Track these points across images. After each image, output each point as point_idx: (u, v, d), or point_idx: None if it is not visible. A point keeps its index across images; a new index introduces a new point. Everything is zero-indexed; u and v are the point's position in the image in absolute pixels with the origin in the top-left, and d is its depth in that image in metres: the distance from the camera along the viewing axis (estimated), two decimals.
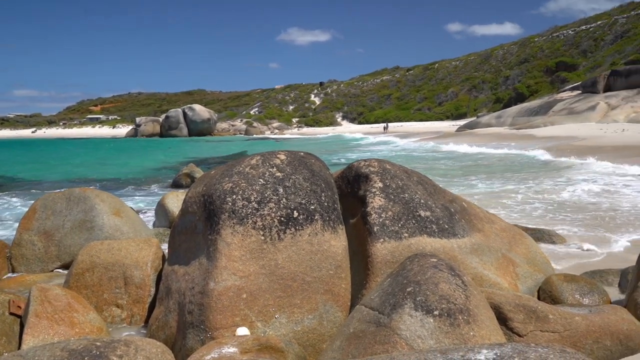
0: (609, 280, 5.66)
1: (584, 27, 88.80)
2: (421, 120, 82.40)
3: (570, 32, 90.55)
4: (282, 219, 4.03)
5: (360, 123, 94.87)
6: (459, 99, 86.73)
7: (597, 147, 24.25)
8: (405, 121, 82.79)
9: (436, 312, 2.94)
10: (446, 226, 4.62)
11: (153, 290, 5.07)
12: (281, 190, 4.16)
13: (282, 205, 4.07)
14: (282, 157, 4.46)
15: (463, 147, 33.11)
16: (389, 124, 77.19)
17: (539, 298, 4.86)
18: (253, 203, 4.05)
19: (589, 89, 50.20)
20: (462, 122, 63.92)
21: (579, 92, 51.75)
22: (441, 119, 79.79)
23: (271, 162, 4.38)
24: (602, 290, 4.95)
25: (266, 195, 4.11)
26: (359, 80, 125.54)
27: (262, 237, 3.95)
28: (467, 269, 4.43)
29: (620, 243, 7.50)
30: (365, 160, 4.91)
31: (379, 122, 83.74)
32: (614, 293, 5.29)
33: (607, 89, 48.37)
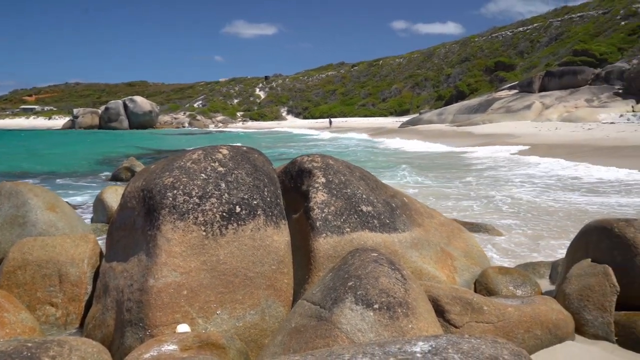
0: (541, 272, 5.92)
1: (521, 29, 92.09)
2: (365, 115, 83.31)
3: (508, 33, 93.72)
4: (224, 214, 3.99)
5: (305, 118, 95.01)
6: (402, 96, 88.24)
7: (532, 144, 25.24)
8: (350, 116, 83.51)
9: (376, 306, 2.99)
10: (387, 221, 4.70)
11: (90, 288, 4.91)
12: (223, 185, 4.12)
13: (224, 201, 4.03)
14: (225, 151, 4.41)
15: (405, 143, 33.74)
16: (334, 119, 77.70)
17: (475, 290, 5.02)
18: (194, 198, 3.99)
19: (525, 88, 52.20)
20: (405, 119, 65.05)
21: (516, 91, 53.70)
22: (385, 115, 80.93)
23: (213, 157, 4.32)
24: (534, 281, 5.17)
25: (208, 190, 4.05)
26: (305, 75, 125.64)
27: (204, 233, 3.90)
28: (407, 262, 4.53)
29: (552, 237, 7.84)
30: (308, 156, 4.93)
31: (324, 117, 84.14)
32: (545, 284, 5.54)
33: (542, 88, 50.44)
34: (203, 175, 4.15)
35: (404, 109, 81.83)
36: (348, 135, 51.25)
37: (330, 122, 74.60)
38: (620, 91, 43.84)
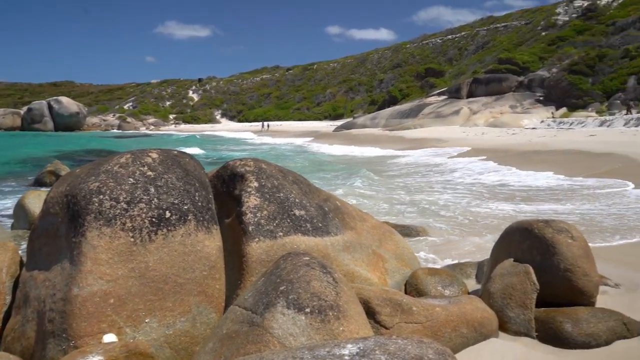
0: (468, 272, 6.14)
1: (450, 37, 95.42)
2: (300, 119, 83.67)
3: (438, 40, 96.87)
4: (154, 219, 3.89)
5: (240, 121, 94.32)
6: (336, 100, 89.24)
7: (461, 148, 26.15)
8: (285, 120, 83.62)
9: (307, 310, 3.01)
10: (320, 225, 4.73)
11: (9, 298, 4.64)
12: (152, 189, 4.01)
13: (153, 206, 3.93)
14: (154, 155, 4.30)
15: (338, 147, 34.13)
16: (269, 123, 77.51)
17: (406, 291, 5.14)
18: (122, 203, 3.87)
19: (454, 94, 54.09)
20: (339, 123, 65.83)
21: (446, 97, 55.54)
22: (319, 119, 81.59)
23: (142, 161, 4.21)
24: (461, 281, 5.35)
25: (136, 195, 3.94)
26: (239, 78, 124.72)
27: (132, 239, 3.79)
28: (339, 266, 4.57)
29: (478, 237, 8.14)
30: (241, 160, 4.89)
31: (258, 121, 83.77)
32: (472, 284, 5.75)
33: (470, 95, 52.44)
34: (131, 179, 4.03)
35: (338, 113, 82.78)
36: (283, 139, 51.24)
37: (265, 126, 74.49)
38: (542, 98, 46.25)
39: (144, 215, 3.87)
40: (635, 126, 29.66)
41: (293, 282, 3.18)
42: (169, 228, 3.92)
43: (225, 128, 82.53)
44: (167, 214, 3.96)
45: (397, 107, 59.91)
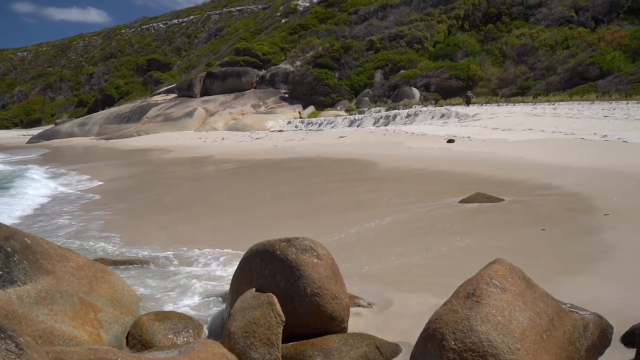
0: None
1: (176, 21, 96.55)
2: None
3: (161, 25, 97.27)
4: None
5: None
6: (29, 101, 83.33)
7: (204, 158, 26.56)
8: None
9: None
10: (0, 272, 4.34)
11: None
12: None
13: None
14: None
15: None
16: None
17: (128, 345, 5.01)
18: None
19: (186, 92, 54.85)
20: (36, 131, 61.59)
21: (175, 95, 56.04)
22: (8, 127, 75.34)
23: None
24: (197, 324, 5.40)
25: None
26: None
27: None
28: (31, 325, 4.28)
29: (224, 265, 8.24)
30: None
31: None
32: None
33: (205, 92, 53.77)
34: None
35: (34, 118, 77.41)
36: None
37: None
38: (287, 96, 49.69)
39: None
40: (385, 125, 33.75)
41: None
42: None
43: None
44: None
45: (115, 109, 58.51)
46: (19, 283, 4.45)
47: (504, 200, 10.53)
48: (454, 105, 37.12)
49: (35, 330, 4.27)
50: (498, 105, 34.81)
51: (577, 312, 4.34)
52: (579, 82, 35.80)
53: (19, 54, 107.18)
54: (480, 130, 24.00)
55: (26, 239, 5.16)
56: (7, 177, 21.68)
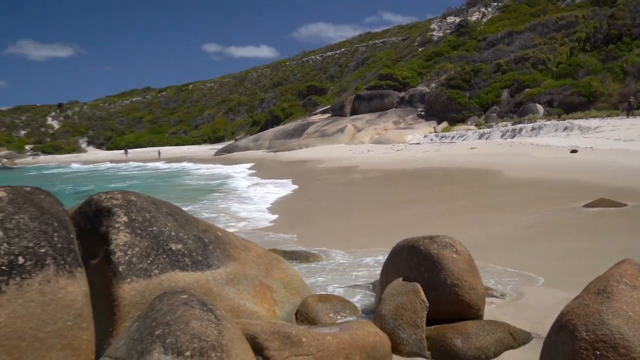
0: (364, 294, 6.27)
1: (329, 54, 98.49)
2: (177, 144, 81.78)
3: (318, 57, 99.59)
4: (4, 267, 3.59)
5: (109, 149, 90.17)
6: (215, 122, 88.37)
7: (348, 167, 26.91)
8: (160, 145, 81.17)
9: (188, 353, 2.91)
10: (200, 258, 4.63)
11: None
12: (1, 233, 3.71)
13: (3, 252, 3.63)
14: (2, 194, 3.98)
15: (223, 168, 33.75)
16: (160, 149, 74.30)
17: (297, 321, 5.16)
18: None
19: (338, 112, 55.80)
20: (220, 146, 65.26)
21: (329, 115, 57.12)
22: (198, 143, 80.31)
23: None
24: (353, 306, 5.46)
25: None
26: (106, 102, 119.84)
27: None
28: (223, 301, 4.50)
29: (372, 256, 8.29)
30: (107, 193, 4.67)
31: (131, 147, 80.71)
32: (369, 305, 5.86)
33: (354, 112, 54.36)
34: None
35: (218, 135, 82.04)
36: (152, 164, 49.68)
37: (126, 152, 73.51)
38: (423, 113, 49.02)
39: None
40: (511, 137, 32.31)
41: (170, 324, 3.07)
42: (24, 276, 3.63)
43: (92, 157, 78.36)
44: (21, 260, 3.67)
45: (281, 127, 60.63)
46: (214, 267, 4.70)
47: (627, 205, 9.71)
48: (576, 119, 34.65)
49: (226, 306, 4.50)
50: (620, 119, 32.03)
51: None
52: None
53: (207, 84, 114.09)
54: (603, 141, 22.23)
55: (218, 232, 5.48)
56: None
